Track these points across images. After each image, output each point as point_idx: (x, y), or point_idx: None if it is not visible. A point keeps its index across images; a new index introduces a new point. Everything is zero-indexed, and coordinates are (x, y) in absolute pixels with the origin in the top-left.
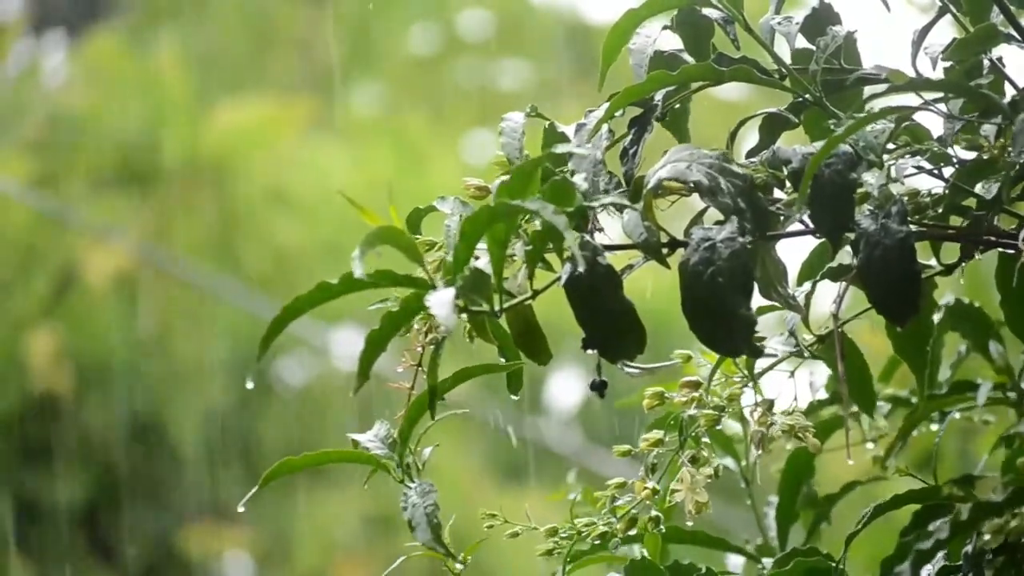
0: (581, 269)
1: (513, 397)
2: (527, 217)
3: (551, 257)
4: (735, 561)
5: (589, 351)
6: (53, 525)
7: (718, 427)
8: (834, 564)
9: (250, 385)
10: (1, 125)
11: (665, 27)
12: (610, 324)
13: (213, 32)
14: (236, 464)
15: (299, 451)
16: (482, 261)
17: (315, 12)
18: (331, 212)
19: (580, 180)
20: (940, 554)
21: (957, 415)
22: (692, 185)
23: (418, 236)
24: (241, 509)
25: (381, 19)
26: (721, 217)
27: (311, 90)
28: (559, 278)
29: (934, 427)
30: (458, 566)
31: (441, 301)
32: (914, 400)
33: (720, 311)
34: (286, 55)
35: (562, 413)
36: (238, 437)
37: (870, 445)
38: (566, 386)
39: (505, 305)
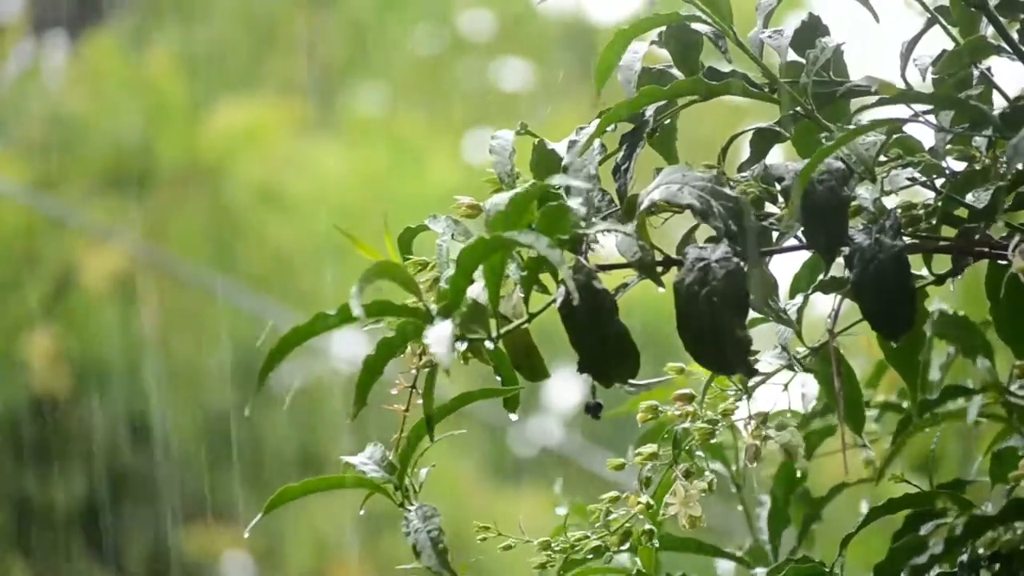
0: (575, 297)
1: (512, 417)
2: None
3: (545, 277)
4: (725, 566)
5: (583, 374)
6: (52, 525)
7: (712, 440)
8: (828, 570)
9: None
10: (0, 126)
11: (653, 43)
12: (604, 348)
13: (214, 33)
14: (235, 464)
15: (298, 451)
16: (477, 287)
17: (317, 13)
18: (329, 212)
19: (576, 204)
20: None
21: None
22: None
23: (409, 257)
24: (247, 534)
25: (383, 20)
26: (714, 232)
27: (312, 91)
28: (554, 300)
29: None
30: None
31: (440, 337)
32: (904, 405)
33: (715, 332)
34: (288, 56)
35: (561, 412)
36: (237, 437)
37: (862, 452)
38: (565, 386)
39: (502, 331)
